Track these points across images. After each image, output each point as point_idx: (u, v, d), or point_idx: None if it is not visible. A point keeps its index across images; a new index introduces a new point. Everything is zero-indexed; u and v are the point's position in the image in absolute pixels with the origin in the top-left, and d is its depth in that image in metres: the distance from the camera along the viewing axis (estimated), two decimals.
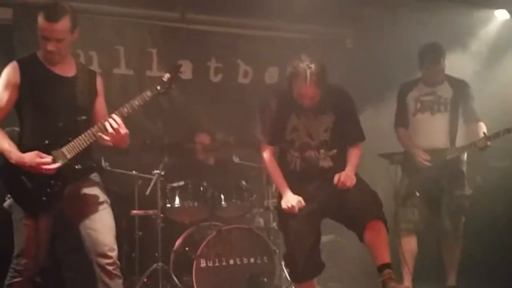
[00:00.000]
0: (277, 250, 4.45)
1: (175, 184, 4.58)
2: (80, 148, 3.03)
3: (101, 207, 3.17)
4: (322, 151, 3.43)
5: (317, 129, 3.42)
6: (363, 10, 5.69)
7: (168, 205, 4.55)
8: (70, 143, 3.02)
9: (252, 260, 4.37)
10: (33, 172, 2.94)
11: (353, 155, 3.47)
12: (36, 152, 2.94)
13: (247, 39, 5.85)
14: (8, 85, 3.01)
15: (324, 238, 5.04)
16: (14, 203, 3.04)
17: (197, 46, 5.62)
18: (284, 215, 3.44)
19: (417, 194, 4.25)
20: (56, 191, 3.02)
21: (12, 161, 2.93)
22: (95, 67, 5.17)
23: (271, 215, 4.70)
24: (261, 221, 4.82)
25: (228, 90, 5.72)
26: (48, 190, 2.99)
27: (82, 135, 3.04)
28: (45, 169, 2.94)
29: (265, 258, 4.38)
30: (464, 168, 4.38)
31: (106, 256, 3.10)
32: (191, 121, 5.54)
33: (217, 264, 4.28)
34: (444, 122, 4.33)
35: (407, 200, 4.30)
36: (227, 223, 4.50)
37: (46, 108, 3.06)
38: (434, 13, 5.32)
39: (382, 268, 3.19)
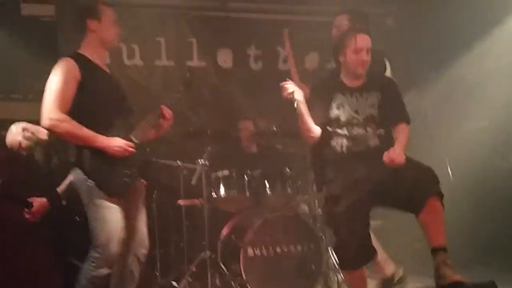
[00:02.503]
0: (324, 237, 4.44)
1: (219, 173, 4.61)
2: (144, 134, 3.22)
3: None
4: (369, 129, 3.38)
5: (363, 104, 3.40)
6: None
7: (214, 194, 4.59)
8: (135, 130, 3.21)
9: (299, 247, 4.34)
10: (111, 156, 3.07)
11: (401, 134, 3.38)
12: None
13: (286, 25, 5.76)
14: (69, 80, 3.07)
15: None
16: (95, 190, 3.06)
17: (236, 34, 5.63)
18: (331, 203, 3.41)
19: None
20: (133, 173, 3.18)
21: (99, 145, 3.05)
22: (137, 59, 5.28)
23: (316, 202, 4.68)
24: (306, 208, 4.80)
25: (269, 77, 5.70)
26: (127, 171, 3.14)
27: (143, 122, 3.24)
28: (129, 151, 3.11)
29: (311, 245, 4.35)
30: None
31: (146, 247, 3.33)
32: (233, 110, 5.57)
33: (264, 252, 4.29)
34: None
35: None
36: (272, 210, 4.50)
37: (105, 100, 3.18)
38: None
39: (436, 250, 3.09)
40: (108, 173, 3.08)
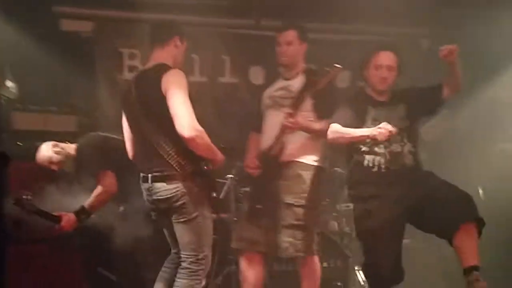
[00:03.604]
0: (351, 255, 4.40)
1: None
2: None
3: None
4: (405, 142, 3.41)
5: (394, 117, 3.44)
6: (439, 9, 5.54)
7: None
8: None
9: (325, 264, 4.31)
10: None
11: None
12: None
13: (319, 43, 5.78)
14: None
15: None
16: (206, 202, 3.21)
17: (269, 52, 5.64)
18: (364, 220, 3.39)
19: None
20: None
21: (218, 158, 3.25)
22: None
23: (344, 219, 4.66)
24: (335, 225, 4.77)
25: None
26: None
27: None
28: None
29: (338, 262, 4.34)
30: (305, 172, 3.61)
31: None
32: None
33: (290, 267, 4.28)
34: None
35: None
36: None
37: None
38: None
39: (469, 270, 3.11)
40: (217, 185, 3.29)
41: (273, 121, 3.69)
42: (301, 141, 3.62)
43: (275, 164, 3.56)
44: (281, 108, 3.66)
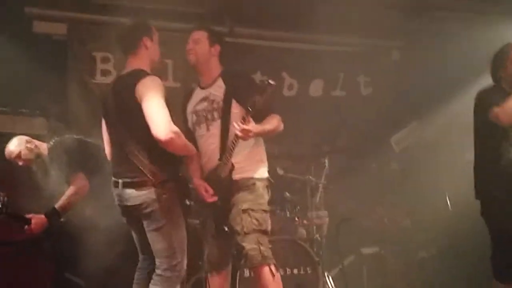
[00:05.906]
0: (320, 261, 4.44)
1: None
2: None
3: None
4: None
5: None
6: (411, 22, 5.67)
7: None
8: None
9: (295, 271, 4.37)
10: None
11: None
12: None
13: (293, 52, 5.90)
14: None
15: (367, 250, 5.05)
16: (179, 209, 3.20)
17: (242, 59, 5.68)
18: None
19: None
20: None
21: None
22: None
23: (314, 227, 4.70)
24: (304, 232, 4.80)
25: None
26: None
27: None
28: None
29: (308, 269, 4.38)
30: (259, 182, 3.44)
31: None
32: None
33: None
34: (217, 131, 3.44)
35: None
36: (270, 234, 4.49)
37: None
38: (484, 26, 5.22)
39: None
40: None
41: (208, 141, 3.48)
42: (247, 157, 3.44)
43: (227, 185, 3.38)
44: (210, 123, 3.47)
